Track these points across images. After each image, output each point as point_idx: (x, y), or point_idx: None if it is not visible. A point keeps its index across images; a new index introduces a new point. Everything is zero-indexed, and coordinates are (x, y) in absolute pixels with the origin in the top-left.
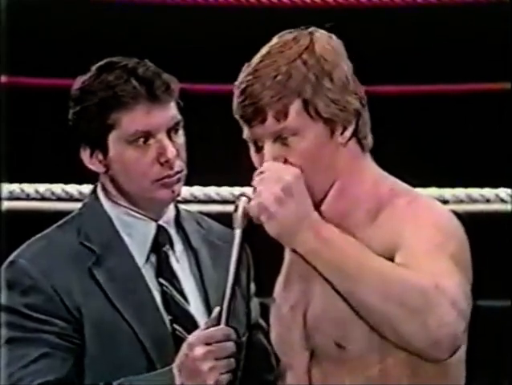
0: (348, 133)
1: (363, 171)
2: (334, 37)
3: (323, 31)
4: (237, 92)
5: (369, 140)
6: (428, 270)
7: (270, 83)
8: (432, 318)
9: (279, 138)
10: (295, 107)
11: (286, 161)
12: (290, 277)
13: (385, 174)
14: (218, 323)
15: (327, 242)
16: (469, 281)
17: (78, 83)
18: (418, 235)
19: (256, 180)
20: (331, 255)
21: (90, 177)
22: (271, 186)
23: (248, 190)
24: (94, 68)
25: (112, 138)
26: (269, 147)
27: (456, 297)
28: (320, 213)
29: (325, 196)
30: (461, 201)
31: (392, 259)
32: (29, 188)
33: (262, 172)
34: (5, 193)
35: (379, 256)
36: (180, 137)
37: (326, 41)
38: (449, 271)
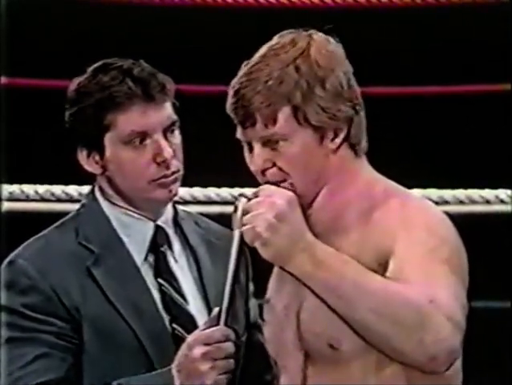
0: (339, 140)
1: (356, 174)
2: (332, 40)
3: (321, 34)
4: (230, 92)
5: (363, 145)
6: (423, 281)
7: (261, 87)
8: (429, 335)
9: (268, 142)
10: (284, 113)
11: (274, 165)
12: (282, 277)
13: (379, 176)
14: (217, 323)
15: (322, 264)
16: (464, 286)
17: (73, 84)
18: (412, 240)
19: (250, 203)
20: (327, 277)
21: (89, 178)
22: (264, 212)
23: (247, 191)
24: (89, 70)
25: (108, 139)
26: (258, 151)
27: (451, 310)
28: (310, 215)
29: (314, 198)
30: (461, 202)
31: (385, 262)
32: (29, 189)
33: (256, 196)
34: (5, 194)
35: (373, 259)
36: (177, 137)
37: (323, 45)
38: (443, 280)
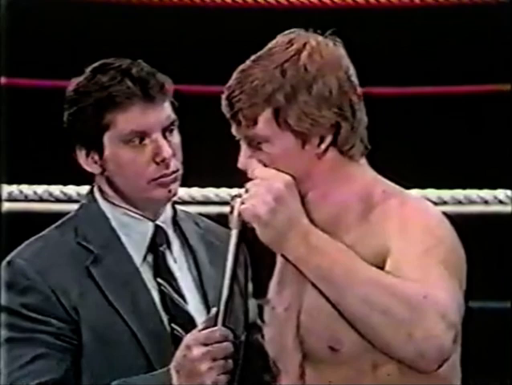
0: (324, 146)
1: (350, 179)
2: (331, 43)
3: (320, 37)
4: (225, 89)
5: (359, 149)
6: (419, 279)
7: (246, 87)
8: (419, 330)
9: (252, 142)
10: (265, 115)
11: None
12: (283, 279)
13: (378, 177)
14: (215, 323)
15: (316, 249)
16: (461, 287)
17: (72, 84)
18: (409, 240)
19: (249, 184)
20: (319, 262)
21: (88, 178)
22: (264, 194)
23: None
24: (88, 70)
25: (108, 138)
26: (244, 149)
27: (446, 309)
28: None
29: (303, 199)
30: (459, 203)
31: (383, 262)
32: (27, 189)
33: (255, 177)
34: (3, 194)
35: (371, 259)
36: (176, 137)
37: (317, 49)
38: (440, 279)
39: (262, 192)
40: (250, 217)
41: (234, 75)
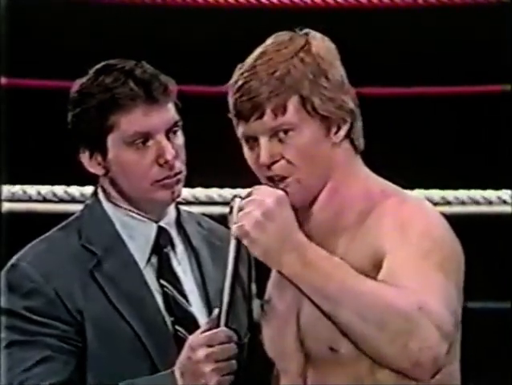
0: (343, 132)
1: (356, 172)
2: (327, 39)
3: (317, 33)
4: (233, 90)
5: (361, 142)
6: (414, 286)
7: (268, 79)
8: (414, 341)
9: (275, 134)
10: (293, 102)
11: (282, 158)
12: (282, 280)
13: (375, 176)
14: (218, 324)
15: (310, 265)
16: (458, 289)
17: (76, 86)
18: (406, 241)
19: (242, 202)
20: (314, 277)
21: (91, 179)
22: (253, 210)
23: (246, 192)
24: (92, 71)
25: (111, 140)
26: (265, 144)
27: (441, 319)
28: (312, 214)
29: (317, 195)
30: (462, 203)
31: (380, 264)
32: (31, 189)
33: (249, 195)
34: (7, 195)
35: (368, 258)
36: (179, 138)
37: (321, 41)
38: (436, 286)
39: (251, 208)
40: (240, 234)
41: (241, 74)
